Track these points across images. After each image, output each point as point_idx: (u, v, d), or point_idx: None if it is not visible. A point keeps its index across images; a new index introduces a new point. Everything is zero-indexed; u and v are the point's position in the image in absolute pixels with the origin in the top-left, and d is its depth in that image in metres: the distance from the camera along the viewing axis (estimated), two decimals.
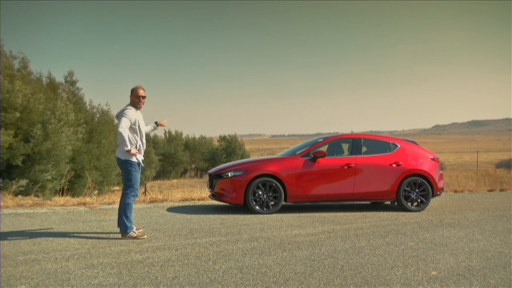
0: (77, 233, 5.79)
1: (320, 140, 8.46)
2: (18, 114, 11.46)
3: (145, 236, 5.50)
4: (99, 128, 18.05)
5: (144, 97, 5.60)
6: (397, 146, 8.33)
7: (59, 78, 17.81)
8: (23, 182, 10.72)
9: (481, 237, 5.80)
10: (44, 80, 16.51)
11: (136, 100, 5.55)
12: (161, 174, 40.82)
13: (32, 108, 12.09)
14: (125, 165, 5.44)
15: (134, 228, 5.56)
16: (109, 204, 8.65)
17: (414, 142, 8.71)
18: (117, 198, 9.71)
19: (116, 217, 6.98)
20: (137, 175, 5.55)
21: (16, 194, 10.27)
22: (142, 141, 5.58)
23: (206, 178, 34.95)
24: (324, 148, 8.22)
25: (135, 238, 5.41)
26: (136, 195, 5.56)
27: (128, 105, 5.58)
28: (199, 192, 10.97)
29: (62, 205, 8.43)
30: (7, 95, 11.30)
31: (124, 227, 5.43)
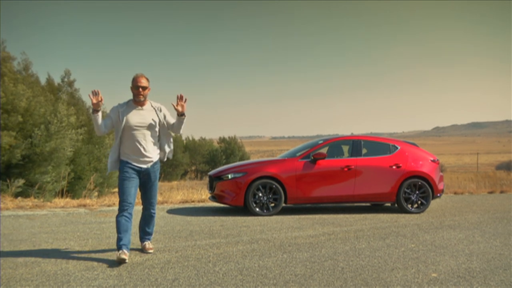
0: (77, 235, 5.79)
1: (320, 142, 8.47)
2: (20, 118, 11.49)
3: (126, 260, 4.36)
4: None
5: (144, 88, 4.49)
6: (397, 148, 8.33)
7: (57, 78, 17.78)
8: (21, 182, 10.71)
9: (481, 239, 5.79)
10: (44, 81, 16.53)
11: (134, 91, 4.50)
12: (161, 176, 40.79)
13: (33, 111, 12.12)
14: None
15: (124, 249, 4.40)
16: (109, 206, 8.65)
17: (414, 144, 8.71)
18: (116, 200, 9.69)
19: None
20: (125, 184, 4.47)
21: (16, 196, 10.27)
22: (130, 144, 4.51)
23: (206, 180, 34.95)
24: (324, 150, 8.23)
25: (117, 260, 4.36)
26: (124, 210, 4.47)
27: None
28: (199, 194, 10.96)
29: (62, 207, 8.42)
30: (11, 97, 11.33)
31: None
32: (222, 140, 48.65)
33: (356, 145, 8.24)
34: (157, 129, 4.61)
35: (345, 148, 8.42)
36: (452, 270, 4.27)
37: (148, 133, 4.54)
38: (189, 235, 5.88)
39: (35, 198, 10.51)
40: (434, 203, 9.47)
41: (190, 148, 46.56)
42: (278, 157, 8.68)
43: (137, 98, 4.51)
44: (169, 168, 42.64)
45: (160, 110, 4.66)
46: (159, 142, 4.73)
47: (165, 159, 4.81)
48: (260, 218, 7.36)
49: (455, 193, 12.31)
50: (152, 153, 4.60)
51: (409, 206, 8.07)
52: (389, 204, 9.09)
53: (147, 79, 4.56)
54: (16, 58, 13.99)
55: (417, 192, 8.11)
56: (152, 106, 4.63)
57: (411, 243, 5.48)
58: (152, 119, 4.56)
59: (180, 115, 4.61)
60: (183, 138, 47.44)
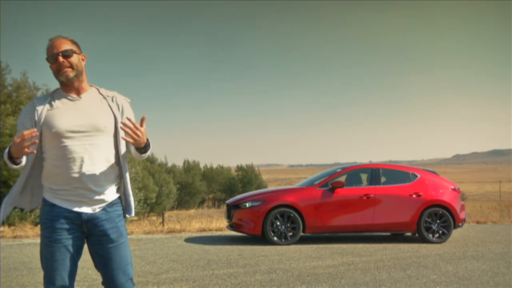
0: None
1: (338, 170, 8.43)
2: None
3: None
4: None
5: (67, 54, 2.19)
6: (417, 176, 8.23)
7: None
8: None
9: (506, 270, 5.62)
10: None
11: (53, 66, 2.21)
12: (179, 205, 40.87)
13: None
14: None
15: None
16: None
17: (434, 172, 8.61)
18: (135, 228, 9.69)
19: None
20: (47, 252, 2.26)
21: (35, 224, 10.39)
22: (58, 166, 2.15)
23: (224, 208, 34.82)
24: (342, 179, 8.18)
25: None
26: None
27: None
28: (217, 222, 10.94)
29: None
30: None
31: None
32: (239, 168, 48.76)
33: (374, 173, 8.17)
34: (112, 135, 2.28)
35: (364, 176, 8.36)
36: None
37: (96, 143, 2.20)
38: (206, 264, 5.84)
39: None
40: (456, 233, 9.26)
41: (207, 176, 46.71)
42: (296, 185, 8.66)
43: (62, 76, 2.20)
44: (186, 197, 42.71)
45: (114, 101, 2.34)
46: (119, 167, 2.32)
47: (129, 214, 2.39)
48: (278, 247, 7.29)
49: (478, 222, 12.02)
50: (106, 184, 2.25)
51: (430, 235, 7.90)
52: (409, 234, 8.93)
53: (73, 42, 2.27)
54: (40, 88, 14.34)
55: (438, 221, 7.95)
56: (100, 93, 2.35)
57: (433, 274, 5.35)
58: (104, 116, 2.26)
59: (139, 149, 2.26)
60: (201, 166, 47.70)
